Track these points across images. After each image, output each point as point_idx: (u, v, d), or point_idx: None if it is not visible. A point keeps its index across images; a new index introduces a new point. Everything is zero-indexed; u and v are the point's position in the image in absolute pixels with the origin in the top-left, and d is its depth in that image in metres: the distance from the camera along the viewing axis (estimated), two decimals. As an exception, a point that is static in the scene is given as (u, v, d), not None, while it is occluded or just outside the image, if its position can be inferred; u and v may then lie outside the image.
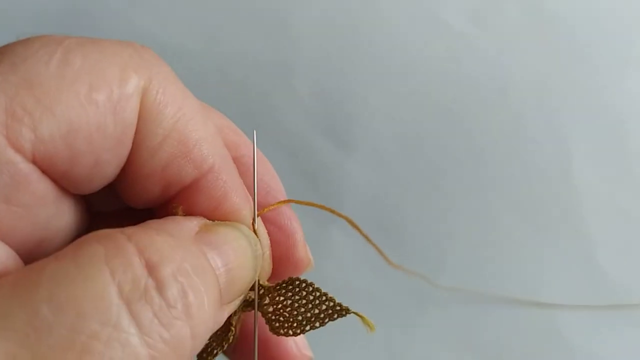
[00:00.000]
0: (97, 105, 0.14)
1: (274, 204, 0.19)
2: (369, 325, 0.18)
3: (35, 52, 0.14)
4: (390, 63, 0.35)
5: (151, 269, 0.13)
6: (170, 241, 0.14)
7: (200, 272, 0.14)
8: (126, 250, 0.13)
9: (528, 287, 0.34)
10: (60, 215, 0.16)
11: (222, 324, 0.16)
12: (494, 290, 0.34)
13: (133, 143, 0.16)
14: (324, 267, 0.23)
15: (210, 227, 0.16)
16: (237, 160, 0.18)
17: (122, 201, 0.18)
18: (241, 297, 0.17)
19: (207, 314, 0.14)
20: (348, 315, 0.18)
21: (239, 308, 0.17)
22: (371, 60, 0.35)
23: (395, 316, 0.34)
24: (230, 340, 0.17)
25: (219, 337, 0.18)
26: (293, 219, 0.19)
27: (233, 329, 0.17)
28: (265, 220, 0.18)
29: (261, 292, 0.18)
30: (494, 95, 0.35)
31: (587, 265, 0.34)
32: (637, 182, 0.35)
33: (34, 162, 0.14)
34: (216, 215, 0.17)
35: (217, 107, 0.37)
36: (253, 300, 0.17)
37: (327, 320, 0.18)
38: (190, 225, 0.16)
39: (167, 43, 0.35)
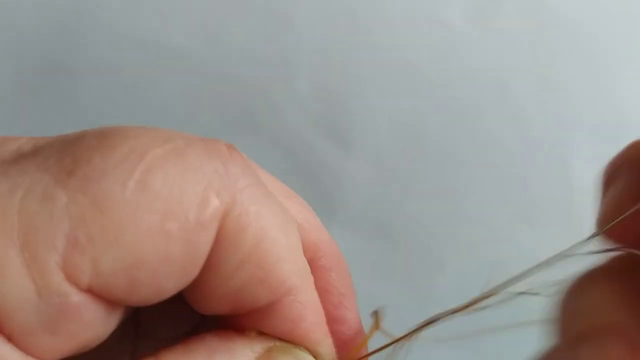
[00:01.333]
0: (168, 236, 0.13)
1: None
2: None
3: (114, 168, 0.13)
4: (391, 62, 0.35)
5: None
6: None
7: None
8: None
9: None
10: (108, 326, 0.14)
11: None
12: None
13: (206, 266, 0.14)
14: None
15: (271, 356, 0.15)
16: (313, 263, 0.17)
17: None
18: None
19: None
20: None
21: None
22: (371, 60, 0.35)
23: (395, 316, 0.33)
24: None
25: None
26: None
27: None
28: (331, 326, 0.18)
29: None
30: (494, 95, 0.35)
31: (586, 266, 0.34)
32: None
33: (89, 291, 0.13)
34: (286, 337, 0.16)
35: (217, 107, 0.37)
36: None
37: None
38: (247, 356, 0.15)
39: (167, 43, 0.34)
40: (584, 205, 0.35)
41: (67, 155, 0.13)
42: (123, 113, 0.35)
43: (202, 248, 0.14)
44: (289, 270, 0.15)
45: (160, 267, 0.13)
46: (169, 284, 0.14)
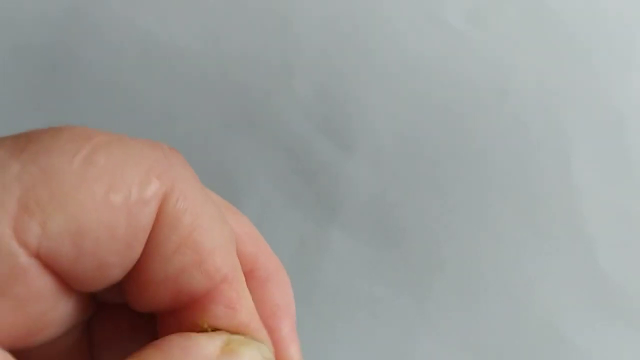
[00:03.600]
0: (112, 207, 0.14)
1: None
2: None
3: (62, 146, 0.14)
4: (390, 63, 0.35)
5: None
6: None
7: None
8: None
9: (528, 288, 0.34)
10: (57, 308, 0.15)
11: None
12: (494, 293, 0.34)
13: (146, 248, 0.15)
14: (323, 267, 0.23)
15: (233, 348, 0.16)
16: (250, 274, 0.18)
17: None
18: None
19: None
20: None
21: None
22: (371, 60, 0.35)
23: (396, 316, 0.34)
24: None
25: None
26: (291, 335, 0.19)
27: None
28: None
29: None
30: (494, 95, 0.35)
31: (587, 266, 0.34)
32: (637, 182, 0.35)
33: (37, 256, 0.14)
34: (229, 328, 0.16)
35: (217, 107, 0.37)
36: None
37: None
38: (212, 348, 0.15)
39: (168, 43, 0.35)
40: (584, 205, 0.35)
41: (21, 137, 0.14)
42: (123, 113, 0.35)
43: (144, 225, 0.15)
44: (224, 259, 0.16)
45: (104, 237, 0.14)
46: (112, 258, 0.15)
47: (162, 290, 0.16)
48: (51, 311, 0.15)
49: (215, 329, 0.16)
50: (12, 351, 0.14)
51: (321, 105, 0.35)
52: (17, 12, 0.34)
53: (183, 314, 0.16)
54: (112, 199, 0.14)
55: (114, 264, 0.15)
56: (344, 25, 0.35)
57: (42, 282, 0.14)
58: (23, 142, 0.14)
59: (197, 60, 0.35)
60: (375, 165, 0.35)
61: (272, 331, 0.18)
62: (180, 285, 0.16)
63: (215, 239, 0.16)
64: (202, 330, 0.16)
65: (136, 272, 0.16)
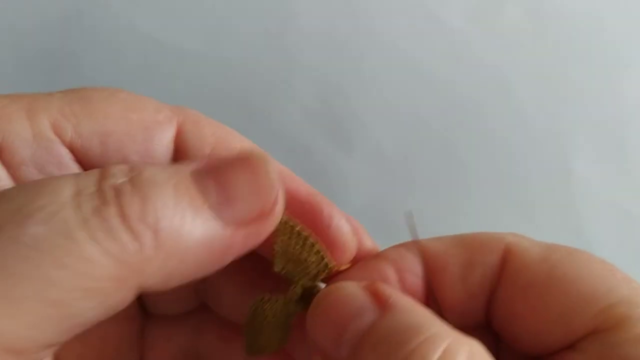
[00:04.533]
0: (130, 121, 0.18)
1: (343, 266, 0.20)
2: None
3: (92, 89, 0.19)
4: (391, 63, 0.35)
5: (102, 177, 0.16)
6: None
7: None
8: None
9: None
10: None
11: (234, 246, 0.16)
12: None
13: (183, 157, 0.19)
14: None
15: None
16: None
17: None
18: (271, 222, 0.17)
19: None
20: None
21: (295, 305, 0.19)
22: (372, 60, 0.35)
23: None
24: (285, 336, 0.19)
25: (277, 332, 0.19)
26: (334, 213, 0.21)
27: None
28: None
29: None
30: (494, 95, 0.35)
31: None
32: (637, 182, 0.35)
33: (70, 149, 0.18)
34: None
35: (218, 107, 0.37)
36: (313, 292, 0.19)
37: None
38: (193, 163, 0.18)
39: (168, 44, 0.35)
40: (585, 204, 0.35)
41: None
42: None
43: (162, 140, 0.19)
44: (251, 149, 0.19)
45: (125, 139, 0.18)
46: (134, 157, 0.18)
47: None
48: None
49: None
50: None
51: (322, 105, 0.35)
52: (19, 16, 0.34)
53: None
54: (129, 115, 0.18)
55: (136, 162, 0.18)
56: (345, 26, 0.35)
57: (74, 170, 0.18)
58: (61, 90, 0.19)
59: (197, 63, 0.35)
60: (375, 165, 0.35)
61: (319, 212, 0.21)
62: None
63: (241, 139, 0.20)
64: None
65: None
